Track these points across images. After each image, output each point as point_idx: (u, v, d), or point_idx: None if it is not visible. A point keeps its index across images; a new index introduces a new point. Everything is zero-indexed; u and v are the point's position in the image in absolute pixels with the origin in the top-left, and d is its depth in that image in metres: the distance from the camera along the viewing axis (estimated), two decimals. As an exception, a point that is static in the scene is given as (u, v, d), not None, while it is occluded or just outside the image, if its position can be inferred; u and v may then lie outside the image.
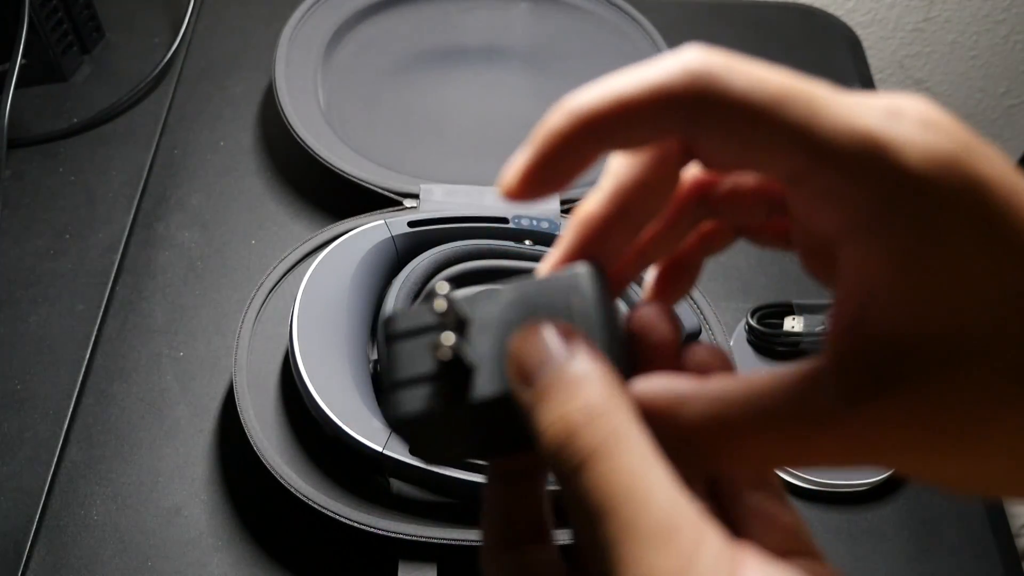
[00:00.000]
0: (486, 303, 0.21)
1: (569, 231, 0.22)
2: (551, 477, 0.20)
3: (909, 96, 0.18)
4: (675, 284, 0.24)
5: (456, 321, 0.20)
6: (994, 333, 0.16)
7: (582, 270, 0.20)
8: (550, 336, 0.19)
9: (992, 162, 0.17)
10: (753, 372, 0.19)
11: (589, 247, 0.21)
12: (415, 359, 0.21)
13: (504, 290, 0.21)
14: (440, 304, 0.20)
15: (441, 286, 0.20)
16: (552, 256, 0.22)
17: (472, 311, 0.21)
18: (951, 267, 0.16)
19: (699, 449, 0.19)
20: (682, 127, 0.19)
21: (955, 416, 0.17)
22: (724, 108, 0.18)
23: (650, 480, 0.17)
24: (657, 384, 0.20)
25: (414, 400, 0.20)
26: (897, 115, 0.17)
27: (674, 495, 0.17)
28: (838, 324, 0.18)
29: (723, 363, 0.22)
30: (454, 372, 0.20)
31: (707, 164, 0.20)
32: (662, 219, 0.23)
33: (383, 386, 0.20)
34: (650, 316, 0.22)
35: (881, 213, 0.17)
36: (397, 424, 0.21)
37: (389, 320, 0.21)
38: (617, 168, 0.21)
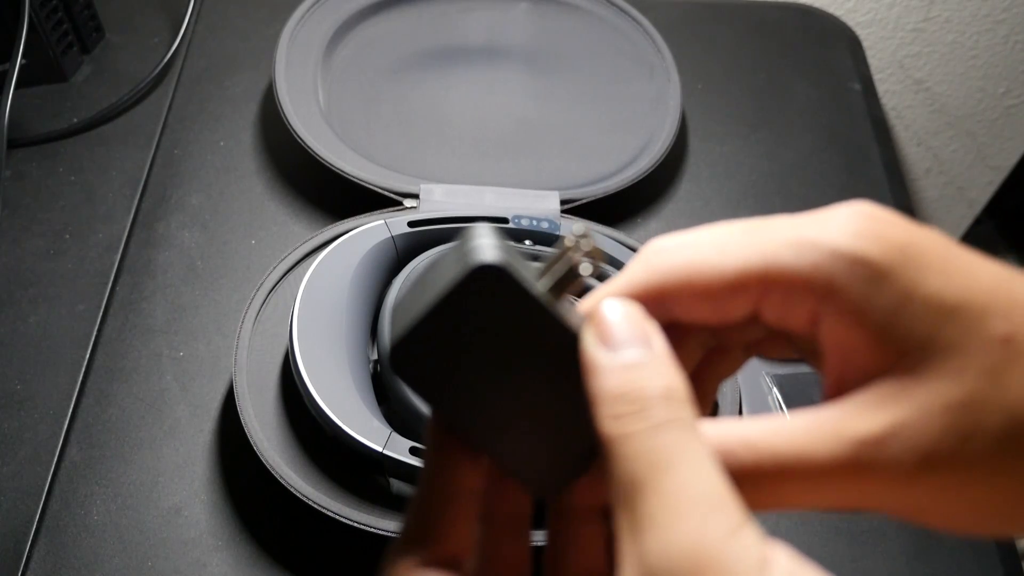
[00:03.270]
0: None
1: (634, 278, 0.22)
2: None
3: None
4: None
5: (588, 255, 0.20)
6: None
7: None
8: (642, 319, 0.20)
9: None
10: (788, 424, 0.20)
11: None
12: (521, 260, 0.20)
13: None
14: (585, 243, 0.20)
15: (579, 228, 0.20)
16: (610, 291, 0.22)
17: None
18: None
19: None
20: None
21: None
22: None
23: (709, 461, 0.19)
24: (728, 426, 0.21)
25: (507, 259, 0.19)
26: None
27: (724, 481, 0.19)
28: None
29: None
30: (556, 280, 0.20)
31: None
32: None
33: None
34: None
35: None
36: (471, 275, 0.19)
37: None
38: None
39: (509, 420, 0.21)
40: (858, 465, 0.19)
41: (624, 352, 0.20)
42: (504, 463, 0.22)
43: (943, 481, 0.19)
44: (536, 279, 0.20)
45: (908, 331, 0.19)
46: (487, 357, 0.20)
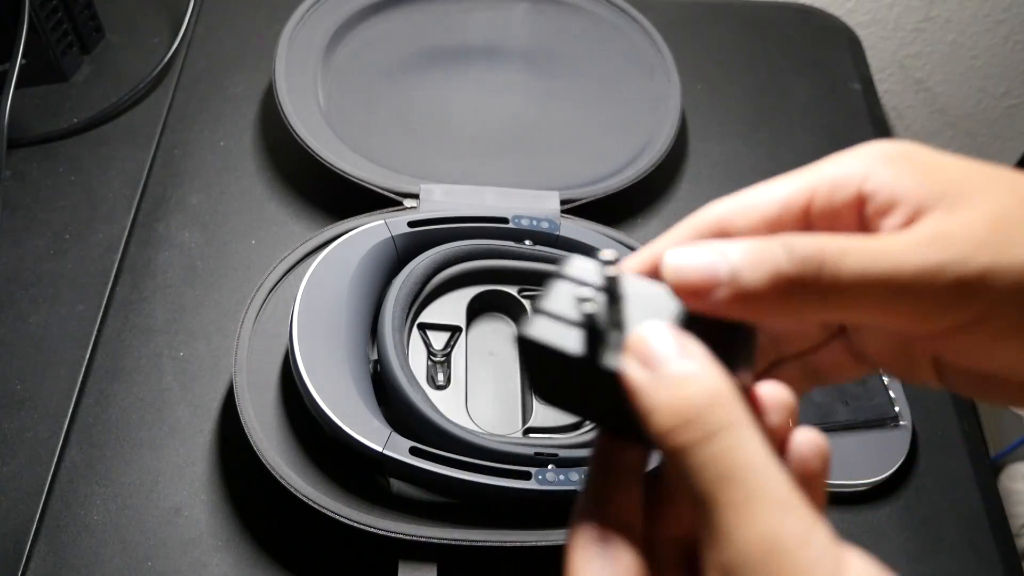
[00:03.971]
0: (648, 290, 0.23)
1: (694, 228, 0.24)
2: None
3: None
4: None
5: (612, 289, 0.22)
6: None
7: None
8: (677, 334, 0.21)
9: None
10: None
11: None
12: (566, 302, 0.23)
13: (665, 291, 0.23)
14: (610, 270, 0.22)
15: (609, 254, 0.22)
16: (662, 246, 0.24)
17: (629, 290, 0.22)
18: None
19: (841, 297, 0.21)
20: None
21: None
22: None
23: (774, 463, 0.19)
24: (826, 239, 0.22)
25: (543, 328, 0.22)
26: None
27: (789, 480, 0.19)
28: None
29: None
30: (589, 330, 0.22)
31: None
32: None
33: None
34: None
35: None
36: (520, 342, 0.23)
37: (563, 262, 0.23)
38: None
39: (615, 412, 0.23)
40: (942, 275, 0.20)
41: (664, 368, 0.20)
42: (626, 437, 0.24)
43: (998, 295, 0.20)
44: (578, 313, 0.22)
45: (942, 180, 0.22)
46: (574, 382, 0.23)
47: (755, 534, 0.18)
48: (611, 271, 0.22)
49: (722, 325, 0.22)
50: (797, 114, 0.75)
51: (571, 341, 0.22)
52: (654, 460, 0.25)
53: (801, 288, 0.20)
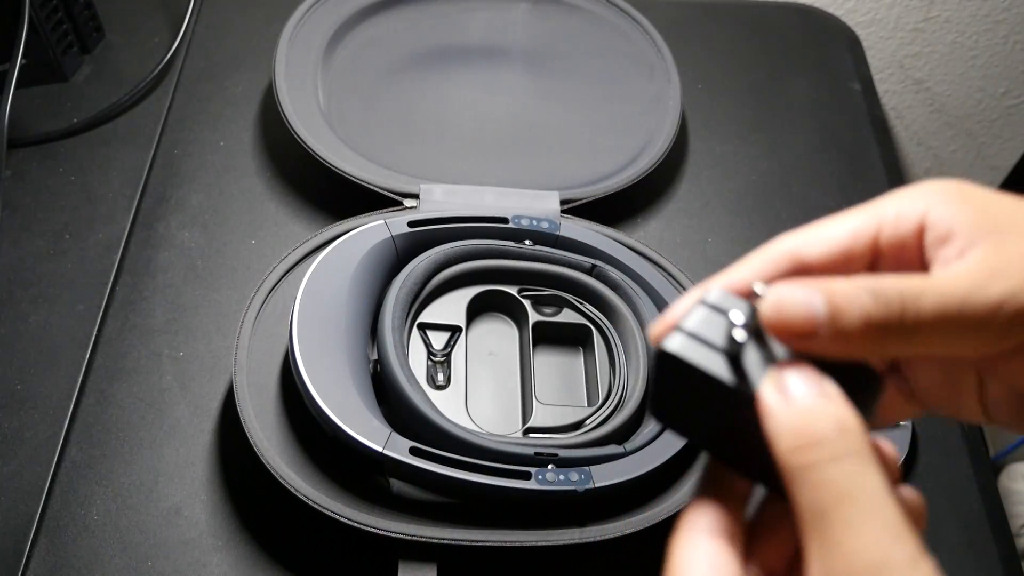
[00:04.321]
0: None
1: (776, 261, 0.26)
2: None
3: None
4: None
5: (754, 323, 0.24)
6: None
7: (871, 370, 0.24)
8: (814, 370, 0.23)
9: None
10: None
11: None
12: (709, 324, 0.24)
13: None
14: (761, 307, 0.24)
15: (760, 287, 0.24)
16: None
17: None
18: None
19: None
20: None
21: None
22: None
23: (891, 495, 0.21)
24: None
25: (687, 348, 0.24)
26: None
27: (902, 512, 0.21)
28: None
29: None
30: (730, 356, 0.24)
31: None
32: None
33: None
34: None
35: None
36: (661, 357, 0.24)
37: (711, 288, 0.25)
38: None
39: (733, 441, 0.25)
40: (1000, 311, 0.23)
41: (798, 396, 0.22)
42: (735, 468, 0.26)
43: None
44: (724, 340, 0.24)
45: (994, 214, 0.24)
46: (701, 404, 0.25)
47: (866, 552, 0.20)
48: (757, 304, 0.24)
49: (850, 368, 0.24)
50: (797, 114, 0.75)
51: (714, 363, 0.24)
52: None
53: (885, 328, 0.23)
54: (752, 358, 0.24)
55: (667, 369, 0.24)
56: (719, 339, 0.24)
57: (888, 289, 0.23)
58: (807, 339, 0.23)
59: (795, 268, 0.25)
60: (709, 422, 0.26)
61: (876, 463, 0.21)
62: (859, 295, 0.23)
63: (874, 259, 0.26)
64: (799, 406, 0.22)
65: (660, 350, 0.24)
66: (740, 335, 0.23)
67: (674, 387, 0.25)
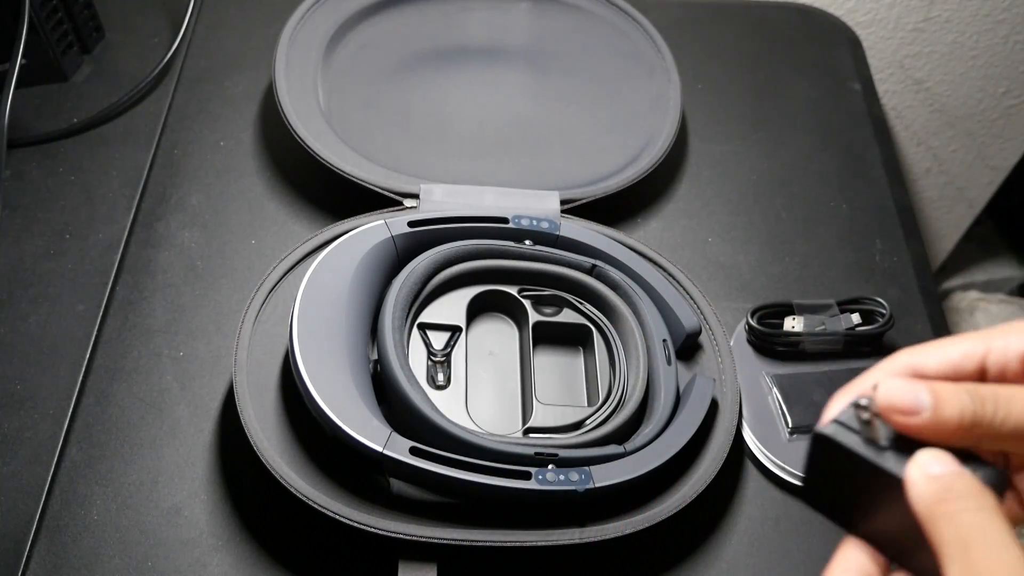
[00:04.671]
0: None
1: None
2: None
3: None
4: None
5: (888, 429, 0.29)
6: None
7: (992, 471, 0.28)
8: (950, 457, 0.28)
9: None
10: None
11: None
12: (856, 420, 0.29)
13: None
14: (878, 392, 0.28)
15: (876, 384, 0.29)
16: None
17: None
18: None
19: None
20: None
21: None
22: None
23: (1016, 541, 0.25)
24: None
25: (842, 435, 0.29)
26: None
27: None
28: None
29: None
30: (874, 443, 0.28)
31: None
32: None
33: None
34: None
35: None
36: (818, 439, 0.29)
37: (863, 396, 0.29)
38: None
39: (876, 519, 0.30)
40: None
41: (937, 471, 0.27)
42: (876, 543, 0.30)
43: None
44: (866, 432, 0.29)
45: None
46: (849, 483, 0.29)
47: (1003, 571, 0.24)
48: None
49: (980, 464, 0.28)
50: (797, 114, 0.75)
51: (864, 449, 0.28)
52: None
53: (978, 424, 0.27)
54: (892, 444, 0.28)
55: (825, 451, 0.29)
56: (864, 429, 0.29)
57: (984, 390, 0.28)
58: (910, 417, 0.27)
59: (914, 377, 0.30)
60: (857, 499, 0.30)
61: (1007, 523, 0.26)
62: (959, 391, 0.28)
63: (980, 379, 0.30)
64: (938, 475, 0.27)
65: (816, 433, 0.29)
66: (881, 433, 0.28)
67: (829, 467, 0.29)
